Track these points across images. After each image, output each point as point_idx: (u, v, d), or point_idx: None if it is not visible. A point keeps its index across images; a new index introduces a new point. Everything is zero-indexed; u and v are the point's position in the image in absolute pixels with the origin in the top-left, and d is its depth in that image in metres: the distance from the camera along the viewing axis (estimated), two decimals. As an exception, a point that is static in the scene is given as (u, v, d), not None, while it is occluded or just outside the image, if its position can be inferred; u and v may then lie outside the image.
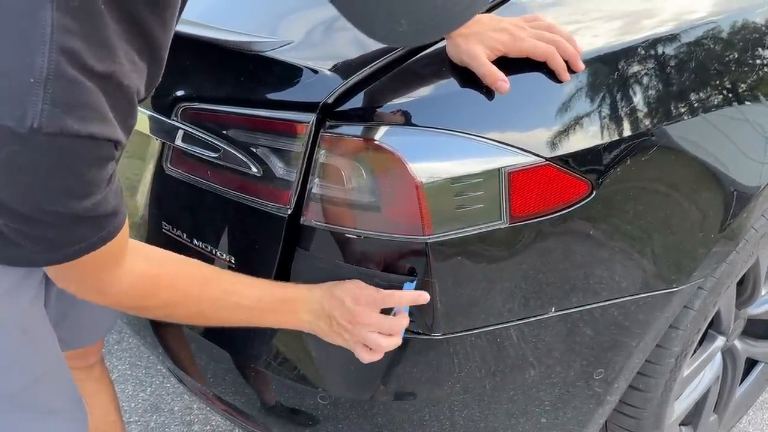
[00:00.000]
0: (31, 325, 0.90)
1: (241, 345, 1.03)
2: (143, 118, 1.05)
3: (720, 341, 1.41)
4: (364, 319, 0.84)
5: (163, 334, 1.19)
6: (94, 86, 0.57)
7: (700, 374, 1.42)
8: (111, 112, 0.60)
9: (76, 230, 0.64)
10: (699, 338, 1.24)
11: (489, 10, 0.97)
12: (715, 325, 1.38)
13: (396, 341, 0.87)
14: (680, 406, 1.38)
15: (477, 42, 0.86)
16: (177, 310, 0.84)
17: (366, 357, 0.87)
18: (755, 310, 1.49)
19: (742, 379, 1.60)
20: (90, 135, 0.57)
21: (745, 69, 1.06)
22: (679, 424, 1.44)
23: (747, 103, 1.06)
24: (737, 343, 1.51)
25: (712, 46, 1.03)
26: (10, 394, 0.88)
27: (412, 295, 0.86)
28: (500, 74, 0.84)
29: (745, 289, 1.39)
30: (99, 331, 1.18)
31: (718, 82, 1.02)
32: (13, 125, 0.54)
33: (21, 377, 0.88)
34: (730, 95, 1.03)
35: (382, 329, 0.86)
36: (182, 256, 0.84)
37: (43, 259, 0.68)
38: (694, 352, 1.33)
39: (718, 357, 1.46)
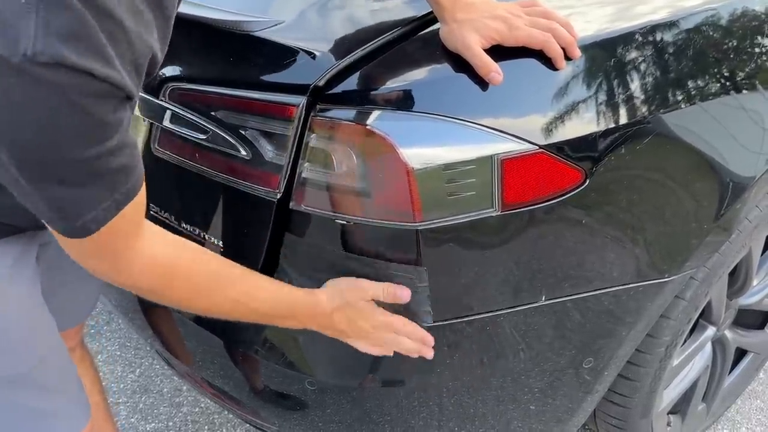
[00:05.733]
0: (33, 304, 0.91)
1: (230, 330, 1.02)
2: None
3: (710, 331, 1.41)
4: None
5: (153, 318, 1.18)
6: (90, 17, 0.53)
7: (690, 364, 1.42)
8: (117, 59, 0.56)
9: (90, 189, 0.60)
10: (689, 328, 1.24)
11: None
12: (705, 315, 1.38)
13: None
14: (669, 395, 1.39)
15: (471, 30, 0.84)
16: (193, 304, 0.82)
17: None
18: (746, 300, 1.49)
19: (731, 369, 1.61)
20: (89, 71, 0.53)
21: (744, 57, 1.05)
22: (668, 413, 1.45)
23: (744, 92, 1.05)
24: (727, 333, 1.51)
25: (710, 33, 1.01)
26: (19, 376, 0.88)
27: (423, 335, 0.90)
28: (494, 65, 0.82)
29: (737, 280, 1.39)
30: (81, 313, 1.18)
31: (715, 70, 1.01)
32: (7, 54, 0.50)
33: (28, 358, 0.89)
34: (728, 84, 1.02)
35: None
36: (202, 248, 0.82)
37: (59, 227, 0.64)
38: (685, 341, 1.33)
39: (708, 347, 1.47)
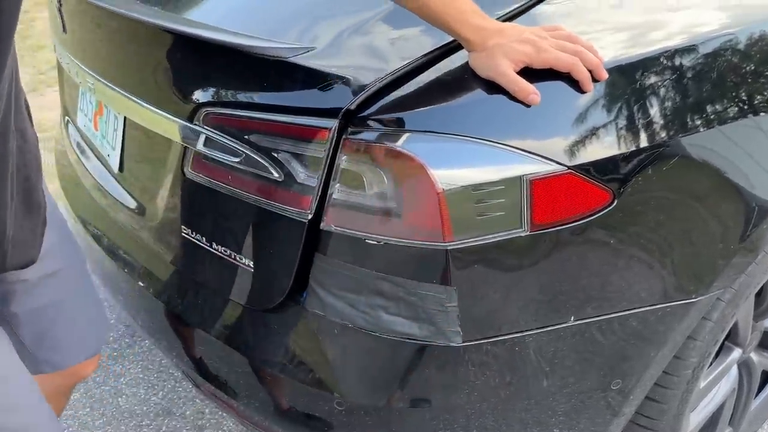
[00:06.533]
0: None
1: (257, 348, 1.03)
2: (163, 121, 1.06)
3: (737, 353, 1.40)
4: None
5: (180, 338, 1.19)
6: None
7: (716, 386, 1.41)
8: None
9: None
10: (716, 350, 1.23)
11: (509, 19, 0.97)
12: (732, 337, 1.37)
13: None
14: (696, 418, 1.37)
15: (501, 55, 0.86)
16: None
17: None
18: (772, 322, 1.48)
19: (758, 392, 1.59)
20: None
21: (763, 81, 1.06)
22: (694, 437, 1.43)
23: (762, 114, 1.05)
24: (753, 356, 1.49)
25: (730, 57, 1.03)
26: None
27: None
28: (531, 87, 0.84)
29: (763, 301, 1.38)
30: (87, 346, 1.08)
31: (736, 93, 1.02)
32: None
33: None
34: (747, 108, 1.03)
35: None
36: None
37: None
38: (711, 363, 1.32)
39: (734, 369, 1.45)
